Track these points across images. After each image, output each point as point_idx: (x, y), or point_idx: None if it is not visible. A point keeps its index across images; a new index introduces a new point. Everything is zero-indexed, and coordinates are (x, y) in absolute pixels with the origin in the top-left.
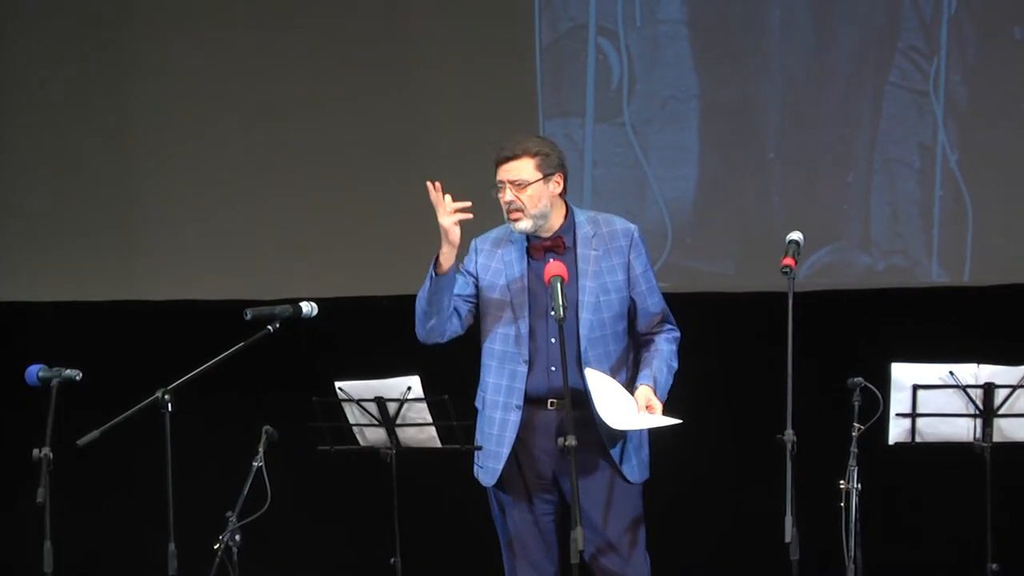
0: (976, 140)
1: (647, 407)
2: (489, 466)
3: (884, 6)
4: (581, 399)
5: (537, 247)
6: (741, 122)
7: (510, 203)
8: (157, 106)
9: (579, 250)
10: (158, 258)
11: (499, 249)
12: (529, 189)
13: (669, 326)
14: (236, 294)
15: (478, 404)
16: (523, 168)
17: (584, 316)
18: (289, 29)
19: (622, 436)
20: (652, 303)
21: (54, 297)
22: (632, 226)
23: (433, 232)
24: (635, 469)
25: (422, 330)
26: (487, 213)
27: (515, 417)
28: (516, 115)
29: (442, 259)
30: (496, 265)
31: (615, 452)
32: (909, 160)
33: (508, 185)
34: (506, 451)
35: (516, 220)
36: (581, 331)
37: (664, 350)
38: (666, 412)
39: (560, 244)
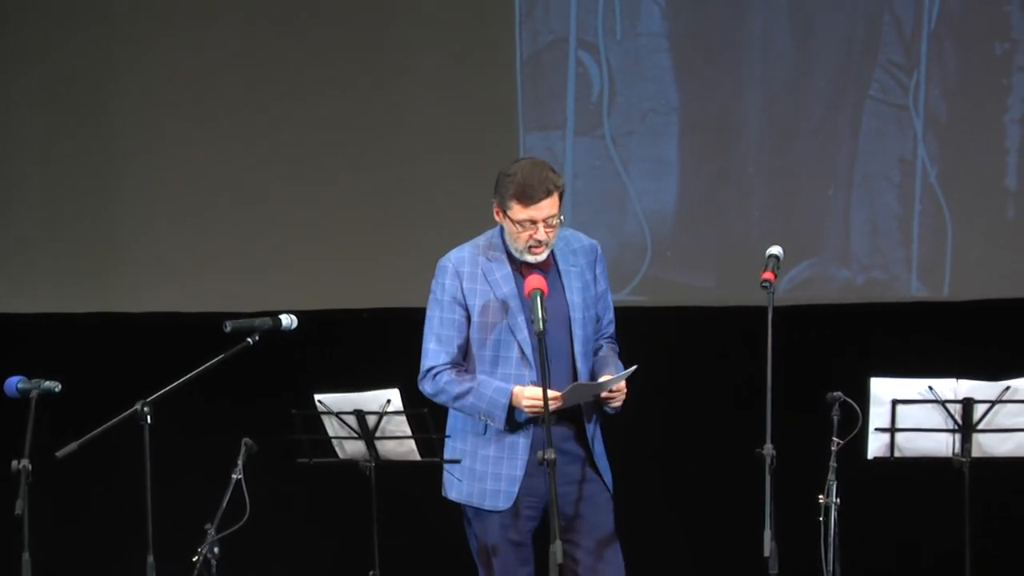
0: (956, 154)
1: (616, 389)
2: (503, 489)
3: (864, 21)
4: (573, 412)
5: (524, 265)
6: (721, 135)
7: (541, 241)
8: (138, 119)
9: (560, 266)
10: (138, 270)
11: (478, 269)
12: (555, 222)
13: (615, 344)
14: (216, 306)
15: (469, 428)
16: (553, 204)
17: (576, 332)
18: (269, 45)
19: (596, 419)
20: (608, 319)
21: (34, 308)
22: (595, 241)
23: (412, 245)
24: (610, 479)
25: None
26: (477, 223)
27: (525, 440)
28: (496, 127)
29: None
30: (481, 287)
31: (600, 463)
32: (889, 174)
33: (541, 223)
34: (520, 472)
35: (539, 253)
36: (576, 347)
37: (615, 357)
38: (642, 428)
39: (548, 262)
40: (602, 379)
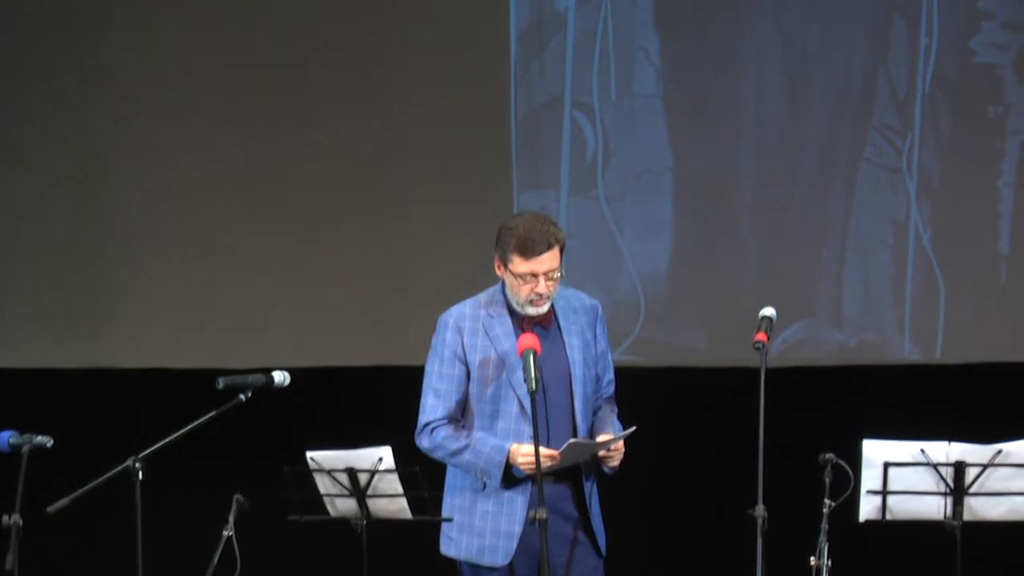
0: (949, 218)
1: (614, 448)
2: (502, 545)
3: (858, 82)
4: (572, 471)
5: (527, 321)
6: (715, 196)
7: (542, 295)
8: (131, 174)
9: (562, 323)
10: (130, 326)
11: (479, 324)
12: (556, 276)
13: (614, 404)
14: (208, 363)
15: (468, 484)
16: (555, 257)
17: (576, 389)
18: (264, 102)
19: (592, 477)
20: (608, 380)
21: (26, 363)
22: (596, 302)
23: (406, 303)
24: (603, 541)
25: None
26: (473, 282)
27: (523, 496)
28: (491, 187)
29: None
30: (482, 342)
31: (595, 523)
32: (882, 237)
33: (542, 277)
34: (518, 529)
35: (540, 305)
36: (576, 405)
37: (613, 417)
38: (633, 488)
39: (548, 319)
40: (600, 438)
